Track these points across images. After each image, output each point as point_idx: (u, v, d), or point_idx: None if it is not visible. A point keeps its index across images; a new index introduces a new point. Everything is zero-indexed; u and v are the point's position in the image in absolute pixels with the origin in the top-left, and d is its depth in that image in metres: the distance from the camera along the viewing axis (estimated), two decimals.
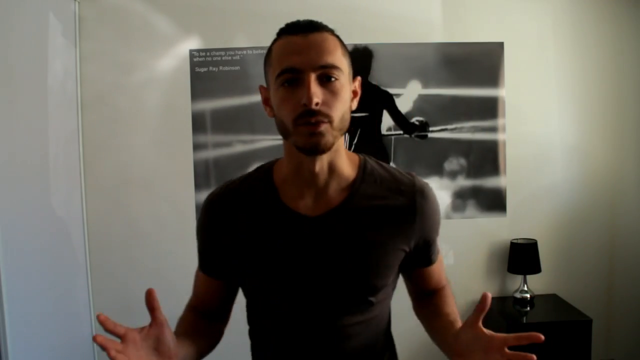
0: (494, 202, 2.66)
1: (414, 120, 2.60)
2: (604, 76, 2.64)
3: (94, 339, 0.73)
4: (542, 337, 0.81)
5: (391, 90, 2.57)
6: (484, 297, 0.85)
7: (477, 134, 2.62)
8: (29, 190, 1.98)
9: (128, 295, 2.13)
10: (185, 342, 0.93)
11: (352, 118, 0.94)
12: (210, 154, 2.54)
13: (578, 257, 2.70)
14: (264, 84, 0.97)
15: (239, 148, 2.54)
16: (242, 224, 0.97)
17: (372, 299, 0.99)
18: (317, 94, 0.84)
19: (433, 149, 2.61)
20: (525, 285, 2.57)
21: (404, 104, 2.58)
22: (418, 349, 2.13)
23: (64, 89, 2.32)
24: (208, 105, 2.52)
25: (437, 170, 2.62)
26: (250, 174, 1.03)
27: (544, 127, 2.66)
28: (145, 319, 0.83)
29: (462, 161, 2.63)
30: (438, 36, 2.58)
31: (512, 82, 2.61)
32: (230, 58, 2.51)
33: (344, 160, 0.97)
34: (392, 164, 2.55)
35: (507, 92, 2.61)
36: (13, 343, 1.68)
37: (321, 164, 0.93)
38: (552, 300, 2.62)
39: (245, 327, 1.11)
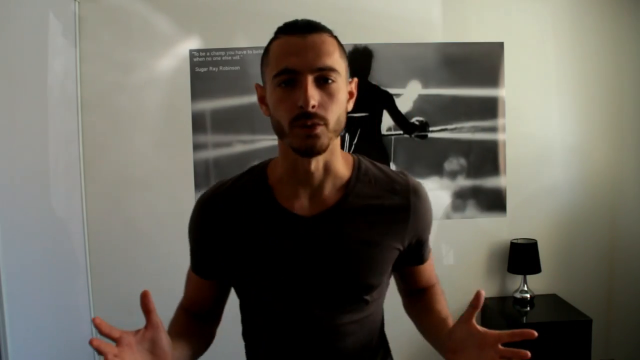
0: (494, 202, 2.66)
1: (414, 120, 2.59)
2: (604, 76, 2.64)
3: (90, 342, 0.73)
4: (535, 333, 0.82)
5: (391, 90, 2.57)
6: (477, 294, 0.86)
7: (477, 134, 2.62)
8: (29, 191, 1.98)
9: (128, 296, 2.10)
10: (179, 344, 0.93)
11: (352, 118, 0.94)
12: (210, 154, 2.54)
13: (578, 257, 2.70)
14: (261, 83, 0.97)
15: (239, 148, 2.54)
16: (236, 224, 0.97)
17: (367, 297, 0.99)
18: (314, 96, 0.84)
19: (433, 149, 2.61)
20: (525, 285, 2.57)
21: (404, 104, 2.58)
22: (415, 352, 2.13)
23: (64, 89, 2.32)
24: (208, 105, 2.52)
25: (437, 170, 2.62)
26: (242, 174, 1.03)
27: (544, 127, 2.66)
28: (145, 320, 0.84)
29: (462, 161, 2.63)
30: (438, 36, 2.58)
31: (512, 82, 2.61)
32: (230, 58, 2.51)
33: (339, 160, 0.97)
34: (392, 164, 2.56)
35: (507, 92, 2.61)
36: (13, 343, 1.68)
37: (317, 163, 0.93)
38: (552, 300, 2.62)
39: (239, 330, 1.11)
